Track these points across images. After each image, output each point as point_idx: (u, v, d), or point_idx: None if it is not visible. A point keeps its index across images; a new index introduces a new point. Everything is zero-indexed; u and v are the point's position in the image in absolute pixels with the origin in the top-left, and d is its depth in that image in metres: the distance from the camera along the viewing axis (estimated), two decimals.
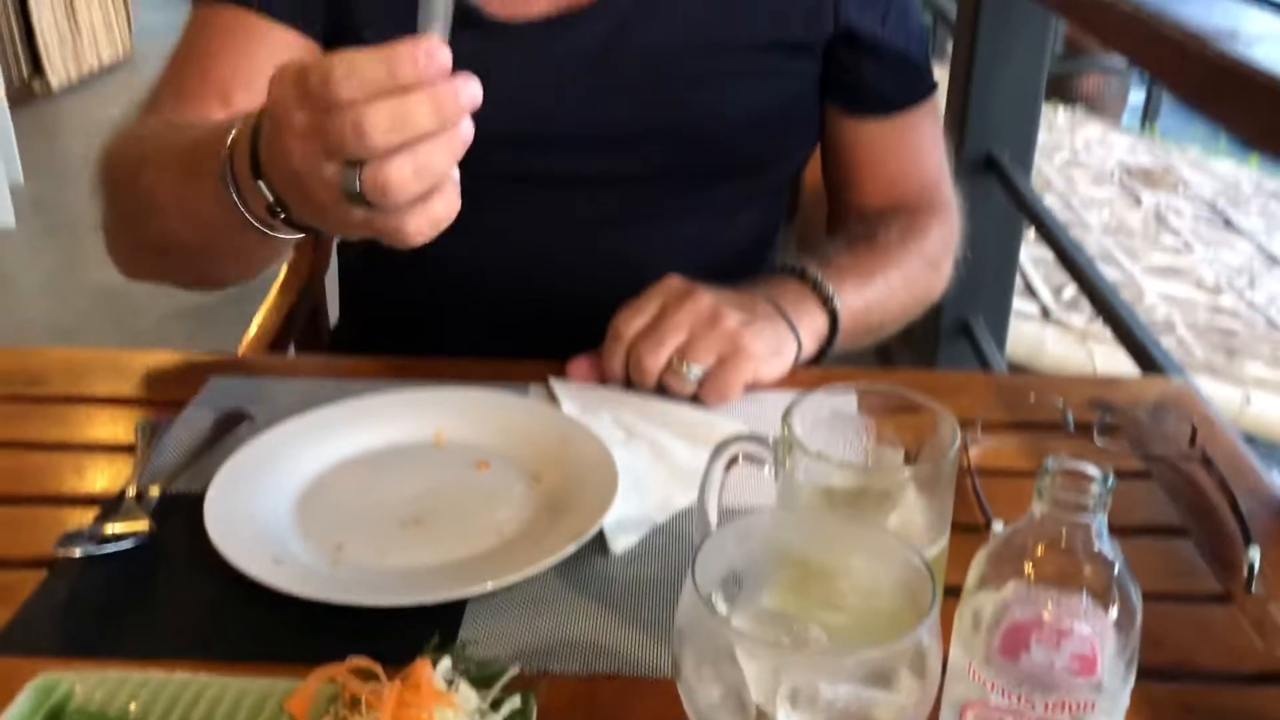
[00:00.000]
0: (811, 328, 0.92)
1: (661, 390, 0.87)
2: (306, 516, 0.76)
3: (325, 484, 0.80)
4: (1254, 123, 0.89)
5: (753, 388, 0.87)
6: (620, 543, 0.73)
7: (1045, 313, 3.06)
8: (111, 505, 0.75)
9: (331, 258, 1.46)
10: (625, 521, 0.74)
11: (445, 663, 0.55)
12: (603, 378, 0.89)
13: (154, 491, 0.76)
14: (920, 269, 1.04)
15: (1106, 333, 2.09)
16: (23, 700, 0.55)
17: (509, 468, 0.81)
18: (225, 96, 0.94)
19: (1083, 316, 3.01)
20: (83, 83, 5.20)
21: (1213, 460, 0.82)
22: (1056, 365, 2.93)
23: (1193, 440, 0.85)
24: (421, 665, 0.53)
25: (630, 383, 0.88)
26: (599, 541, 0.72)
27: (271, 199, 0.68)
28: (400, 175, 0.57)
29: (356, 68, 0.56)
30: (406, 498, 0.78)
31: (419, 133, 0.57)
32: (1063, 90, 5.86)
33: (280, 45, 0.96)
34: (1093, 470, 0.47)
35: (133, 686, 0.57)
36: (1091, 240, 3.61)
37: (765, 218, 1.14)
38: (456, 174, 0.60)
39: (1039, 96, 2.14)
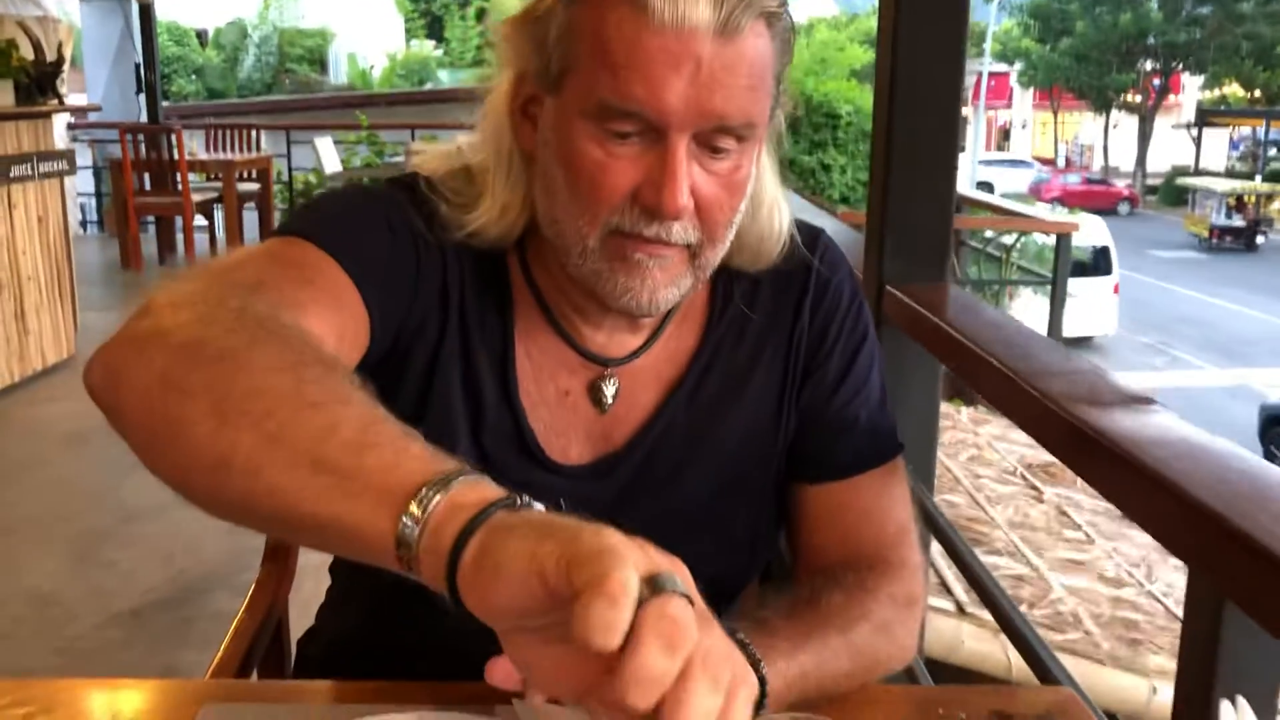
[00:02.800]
0: None
1: None
2: None
3: None
4: (1103, 480, 1.07)
5: None
6: None
7: (960, 608, 3.21)
8: None
9: (295, 575, 1.55)
10: None
11: None
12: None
13: None
14: (868, 634, 1.01)
15: None
16: None
17: None
18: (302, 306, 0.91)
19: None
20: (25, 382, 5.30)
21: None
22: (972, 660, 3.05)
23: None
24: None
25: None
26: None
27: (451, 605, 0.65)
28: None
29: None
30: None
31: None
32: (965, 389, 6.26)
33: (346, 291, 0.97)
34: None
35: None
36: (999, 536, 3.82)
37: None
38: None
39: (935, 424, 2.38)
